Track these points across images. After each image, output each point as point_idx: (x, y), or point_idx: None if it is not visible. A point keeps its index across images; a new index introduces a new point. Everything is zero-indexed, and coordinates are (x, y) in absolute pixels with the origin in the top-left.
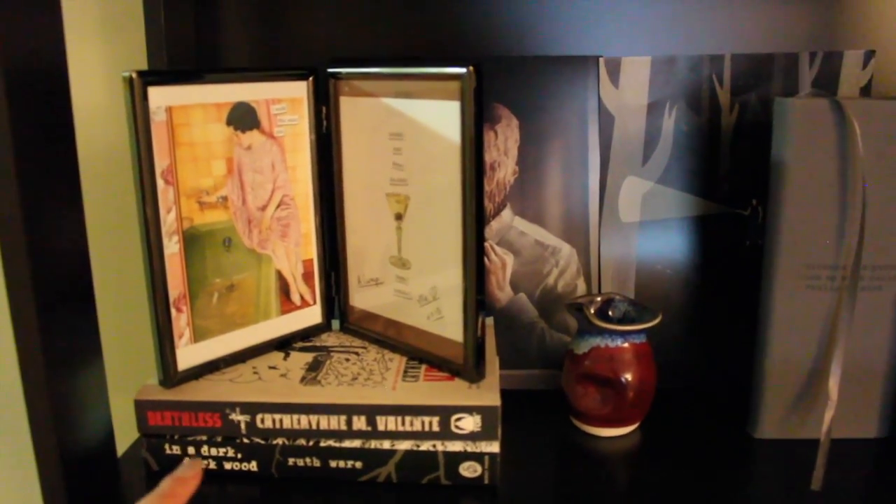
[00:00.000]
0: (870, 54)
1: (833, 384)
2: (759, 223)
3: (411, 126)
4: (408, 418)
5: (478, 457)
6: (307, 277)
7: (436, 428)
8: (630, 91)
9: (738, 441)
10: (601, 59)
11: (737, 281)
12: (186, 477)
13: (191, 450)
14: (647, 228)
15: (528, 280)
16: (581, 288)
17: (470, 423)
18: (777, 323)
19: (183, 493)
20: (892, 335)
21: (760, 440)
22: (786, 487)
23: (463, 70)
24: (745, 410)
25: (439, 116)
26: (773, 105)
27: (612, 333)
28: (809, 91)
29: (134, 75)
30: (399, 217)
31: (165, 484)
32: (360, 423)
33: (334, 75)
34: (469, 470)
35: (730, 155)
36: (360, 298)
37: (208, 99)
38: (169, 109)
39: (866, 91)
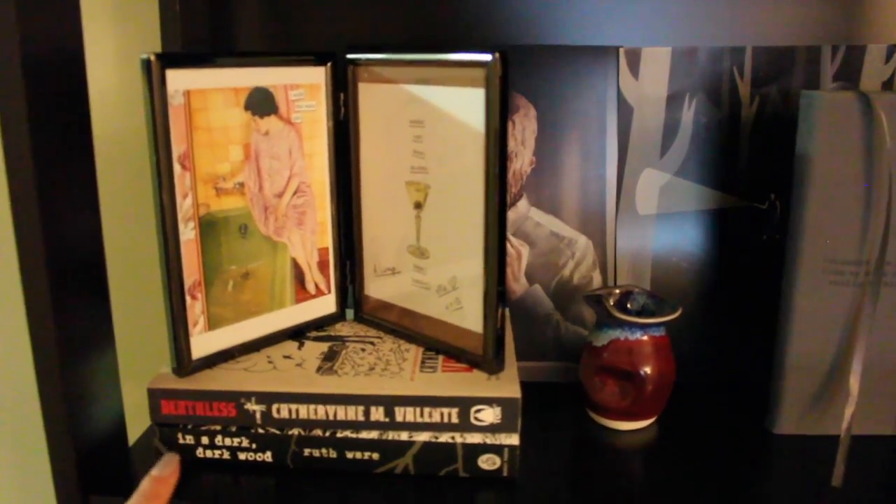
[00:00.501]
0: (893, 48)
1: (854, 380)
2: (777, 218)
3: (432, 113)
4: (426, 409)
5: (497, 449)
6: (322, 266)
7: (455, 420)
8: (650, 82)
9: (756, 436)
10: (621, 50)
11: (754, 275)
12: (165, 476)
13: (204, 439)
14: (663, 221)
15: (543, 271)
16: (597, 280)
17: (490, 415)
18: (798, 318)
19: (165, 493)
20: None
21: (779, 436)
22: (804, 484)
23: (489, 57)
24: (763, 406)
25: (462, 104)
26: (800, 98)
27: (632, 326)
28: (836, 84)
29: (152, 58)
30: (419, 206)
31: (146, 485)
32: (377, 413)
33: (353, 61)
34: (488, 462)
35: (749, 148)
36: (376, 288)
37: (226, 83)
38: (187, 93)
39: (888, 85)
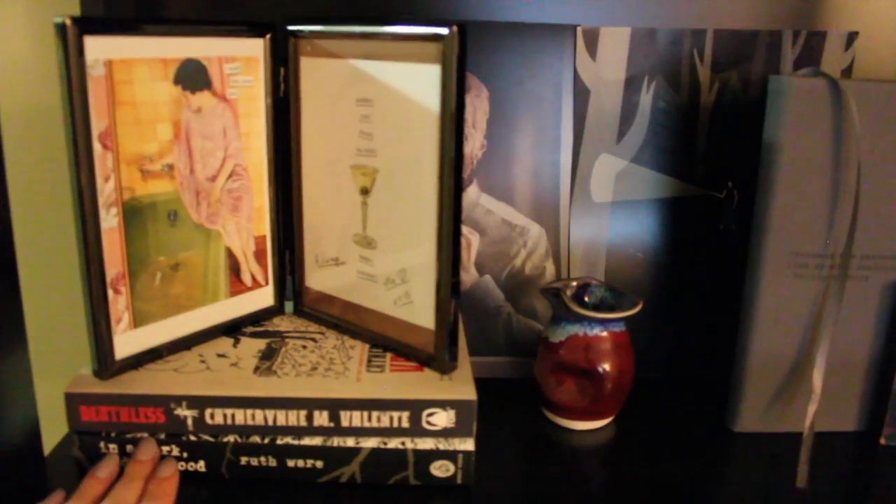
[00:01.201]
0: (853, 35)
1: (817, 377)
2: (734, 207)
3: (382, 91)
4: (374, 413)
5: (450, 455)
6: (259, 256)
7: (405, 424)
8: (608, 64)
9: (716, 434)
10: (579, 29)
11: (711, 266)
12: (146, 460)
13: (130, 448)
14: (619, 209)
15: (494, 261)
16: (550, 271)
17: (443, 419)
18: (761, 312)
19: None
20: (876, 326)
21: (739, 433)
22: (766, 483)
23: (446, 30)
24: (722, 403)
25: (416, 81)
26: (768, 83)
27: (591, 321)
28: (806, 69)
29: (68, 22)
30: (365, 191)
31: (132, 468)
32: (321, 418)
33: (294, 33)
34: (441, 469)
35: (707, 135)
36: (317, 279)
37: (154, 53)
38: (108, 63)
39: (847, 73)
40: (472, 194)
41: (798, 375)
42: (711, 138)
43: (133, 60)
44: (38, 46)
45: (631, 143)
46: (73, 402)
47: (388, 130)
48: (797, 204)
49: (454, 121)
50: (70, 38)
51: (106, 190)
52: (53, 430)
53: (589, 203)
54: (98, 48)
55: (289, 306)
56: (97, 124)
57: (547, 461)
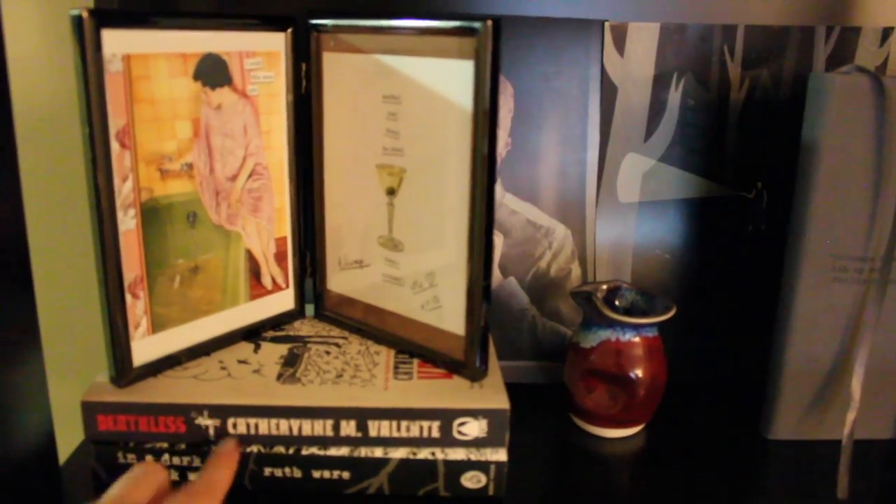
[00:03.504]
0: (888, 31)
1: (856, 384)
2: (763, 207)
3: (410, 88)
4: (404, 423)
5: (482, 466)
6: (280, 258)
7: (435, 434)
8: (636, 60)
9: (750, 442)
10: (607, 24)
11: (739, 268)
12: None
13: (149, 458)
14: (646, 209)
15: (518, 263)
16: (576, 272)
17: (475, 429)
18: (799, 317)
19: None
20: None
21: (774, 441)
22: (803, 493)
23: (479, 24)
24: (756, 410)
25: (446, 78)
26: (808, 80)
27: (624, 326)
28: (848, 66)
29: (84, 14)
30: (392, 192)
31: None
32: (348, 428)
33: (317, 27)
34: (472, 480)
35: (737, 134)
36: (340, 282)
37: (173, 48)
38: (126, 58)
39: (882, 69)
40: (497, 194)
41: (836, 382)
42: (741, 137)
43: (151, 55)
44: (50, 41)
45: (659, 141)
46: (91, 410)
47: (416, 128)
48: (837, 205)
49: (488, 118)
50: (87, 32)
51: (124, 190)
52: (68, 439)
53: (615, 203)
54: (116, 42)
55: (309, 309)
56: (115, 122)
57: (578, 470)
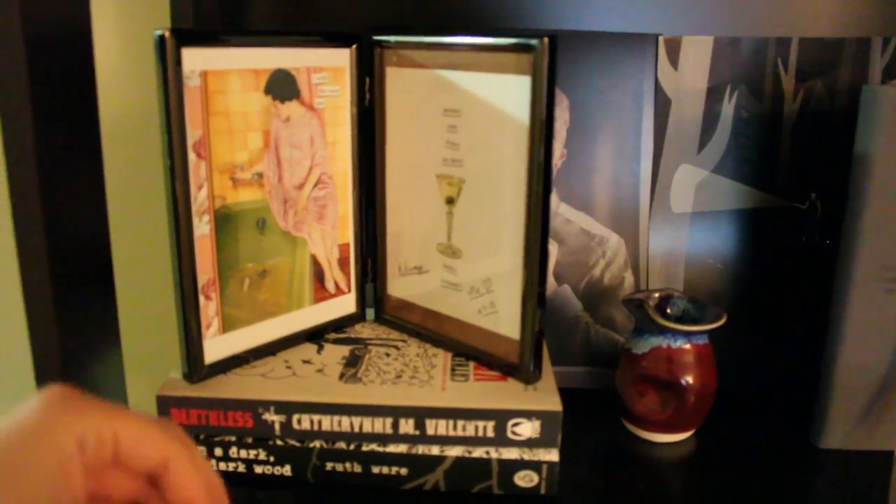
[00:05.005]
0: None
1: None
2: (817, 218)
3: (469, 102)
4: (460, 422)
5: (535, 465)
6: (343, 263)
7: (490, 433)
8: (689, 73)
9: (800, 451)
10: (661, 38)
11: (793, 279)
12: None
13: (218, 451)
14: (699, 220)
15: (572, 271)
16: (629, 281)
17: (528, 429)
18: (850, 327)
19: None
20: None
21: (825, 450)
22: (853, 503)
23: (536, 41)
24: (807, 418)
25: (504, 92)
26: (861, 92)
27: (675, 333)
28: None
29: (167, 34)
30: (451, 201)
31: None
32: (407, 426)
33: (380, 43)
34: (525, 479)
35: (790, 145)
36: (400, 287)
37: (246, 64)
38: (203, 74)
39: None
40: (552, 204)
41: (888, 392)
42: (794, 148)
43: (226, 71)
44: (133, 58)
45: (712, 153)
46: (165, 404)
47: (475, 140)
48: (889, 216)
49: (544, 131)
50: (168, 50)
51: (199, 198)
52: None
53: (668, 213)
54: (194, 59)
55: (369, 313)
56: (192, 134)
57: (628, 473)
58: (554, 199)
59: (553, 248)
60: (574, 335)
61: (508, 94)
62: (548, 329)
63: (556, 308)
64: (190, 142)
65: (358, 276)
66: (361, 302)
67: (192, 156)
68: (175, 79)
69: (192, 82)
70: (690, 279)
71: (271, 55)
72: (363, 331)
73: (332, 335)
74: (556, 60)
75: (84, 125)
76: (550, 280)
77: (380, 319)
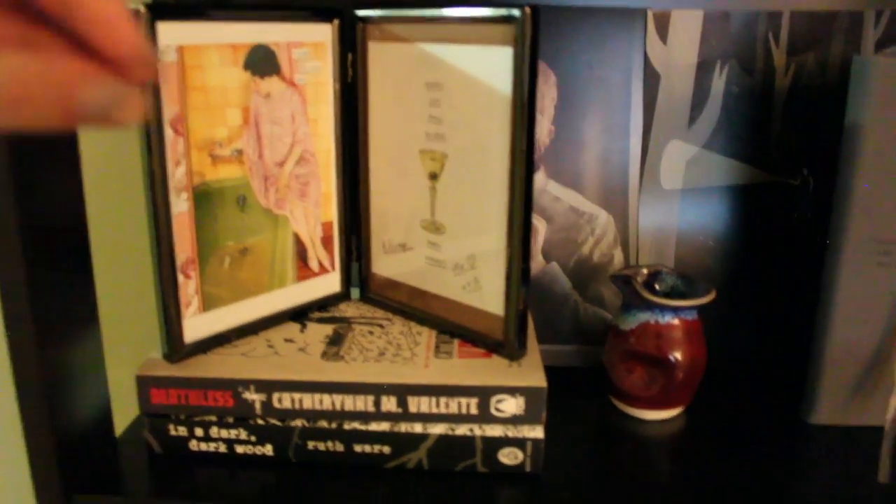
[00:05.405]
0: None
1: None
2: (809, 195)
3: (452, 75)
4: (443, 399)
5: (519, 442)
6: (326, 241)
7: (473, 410)
8: (679, 48)
9: (791, 427)
10: (649, 12)
11: (785, 255)
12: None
13: (198, 431)
14: (689, 196)
15: (561, 248)
16: (618, 258)
17: (512, 406)
18: (841, 301)
19: None
20: None
21: (816, 426)
22: (844, 477)
23: (518, 12)
24: (798, 394)
25: (486, 64)
26: (851, 63)
27: (663, 309)
28: (892, 48)
29: (141, 8)
30: (434, 177)
31: None
32: (389, 403)
33: (362, 18)
34: (509, 457)
35: (782, 120)
36: (384, 265)
37: (224, 39)
38: (180, 49)
39: None
40: (540, 181)
41: (878, 366)
42: (786, 124)
43: (204, 46)
44: None
45: (702, 128)
46: (145, 384)
47: (458, 114)
48: (881, 189)
49: (526, 104)
50: (143, 24)
51: (177, 175)
52: (124, 413)
53: (658, 190)
54: (170, 34)
55: (354, 292)
56: (168, 110)
57: (616, 450)
58: (542, 176)
59: (541, 226)
60: (563, 313)
61: (491, 66)
62: (536, 307)
63: (545, 286)
64: (167, 118)
65: (342, 254)
66: (346, 281)
67: (169, 132)
68: None
69: (167, 57)
70: (681, 256)
71: (250, 30)
72: (348, 310)
73: (317, 314)
74: (538, 31)
75: None
76: (539, 258)
77: (365, 298)
